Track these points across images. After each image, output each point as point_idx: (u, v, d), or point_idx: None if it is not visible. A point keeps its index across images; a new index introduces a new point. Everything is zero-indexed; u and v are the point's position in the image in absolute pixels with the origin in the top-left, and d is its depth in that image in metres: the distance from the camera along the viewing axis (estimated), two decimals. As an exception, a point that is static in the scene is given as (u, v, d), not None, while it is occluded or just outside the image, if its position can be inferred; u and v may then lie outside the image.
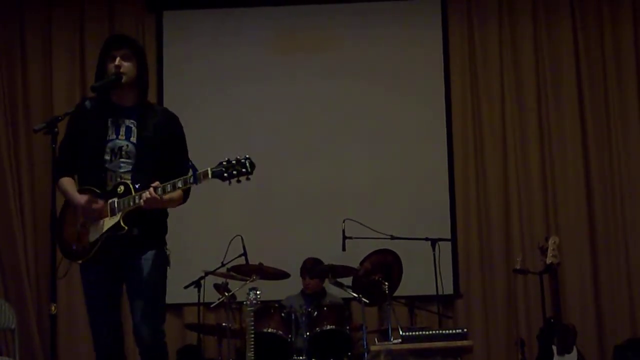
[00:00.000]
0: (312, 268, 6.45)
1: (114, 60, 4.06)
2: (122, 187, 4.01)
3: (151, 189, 3.90)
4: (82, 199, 4.01)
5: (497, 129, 7.27)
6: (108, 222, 3.99)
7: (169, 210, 4.24)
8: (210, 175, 3.84)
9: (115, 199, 3.99)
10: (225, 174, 3.82)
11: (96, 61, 4.20)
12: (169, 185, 3.92)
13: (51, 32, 7.42)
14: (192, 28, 7.47)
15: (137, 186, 3.98)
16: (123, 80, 4.06)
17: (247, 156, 3.85)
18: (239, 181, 3.83)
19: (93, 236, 4.01)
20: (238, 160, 3.83)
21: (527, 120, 7.27)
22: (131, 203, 3.96)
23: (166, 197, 3.96)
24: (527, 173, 7.21)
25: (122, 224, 3.97)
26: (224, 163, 3.84)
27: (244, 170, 3.82)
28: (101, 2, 7.45)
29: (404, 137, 7.31)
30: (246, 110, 7.33)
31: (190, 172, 3.88)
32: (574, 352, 5.71)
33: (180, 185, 3.92)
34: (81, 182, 4.12)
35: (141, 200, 3.91)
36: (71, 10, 7.44)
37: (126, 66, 4.07)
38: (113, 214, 3.98)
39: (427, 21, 7.43)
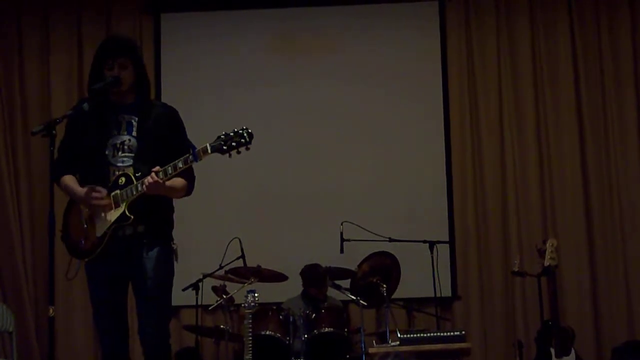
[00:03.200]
0: (317, 277, 6.40)
1: (111, 68, 4.04)
2: (123, 179, 4.00)
3: (152, 174, 3.89)
4: (84, 190, 4.01)
5: (494, 131, 7.28)
6: (113, 214, 3.98)
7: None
8: (209, 150, 3.84)
9: (118, 191, 3.98)
10: (225, 147, 3.81)
11: (94, 63, 4.20)
12: (169, 168, 3.90)
13: (49, 34, 7.42)
14: (190, 30, 7.48)
15: (137, 175, 3.98)
16: (122, 88, 4.06)
17: (244, 127, 3.84)
18: (238, 152, 3.82)
19: (100, 230, 4.00)
20: (236, 132, 3.83)
21: (524, 122, 7.28)
22: (134, 192, 3.94)
23: (168, 183, 3.95)
24: (524, 175, 7.21)
25: (127, 213, 3.96)
26: (222, 137, 3.83)
27: (242, 140, 3.81)
28: (99, 4, 7.46)
29: (402, 139, 7.32)
30: (244, 113, 7.32)
31: (190, 151, 3.88)
32: (572, 355, 5.71)
33: (181, 165, 3.90)
34: (83, 181, 4.09)
35: (144, 186, 3.90)
36: (68, 13, 7.44)
37: (124, 75, 4.06)
38: (117, 205, 3.97)
39: (425, 23, 7.44)
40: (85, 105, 4.04)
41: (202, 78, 7.43)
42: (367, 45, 7.40)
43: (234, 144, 3.80)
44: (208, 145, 3.84)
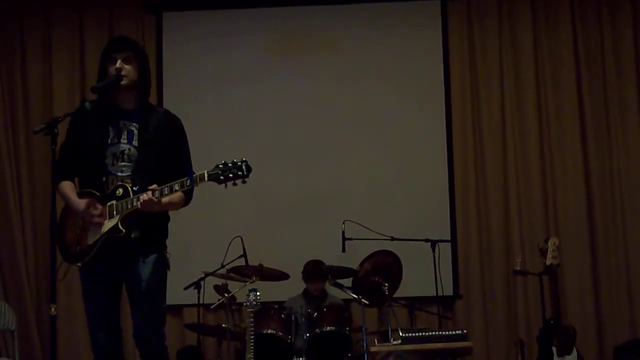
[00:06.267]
0: (315, 271, 6.43)
1: (115, 62, 4.05)
2: (120, 190, 4.01)
3: (149, 192, 3.91)
4: (81, 204, 4.01)
5: (496, 130, 7.28)
6: (107, 225, 4.00)
7: (170, 212, 4.23)
8: (206, 178, 3.86)
9: (114, 202, 3.99)
10: (222, 177, 3.84)
11: (96, 62, 4.19)
12: (166, 188, 3.92)
13: (51, 33, 7.43)
14: (192, 29, 7.47)
15: (135, 189, 3.99)
16: (124, 83, 4.05)
17: (244, 159, 3.87)
18: (235, 184, 3.85)
19: (92, 239, 4.01)
20: (234, 164, 3.86)
21: (526, 121, 7.28)
22: (129, 206, 3.96)
23: (165, 200, 3.96)
24: (526, 174, 7.21)
25: (119, 226, 3.97)
26: (221, 166, 3.86)
27: (240, 173, 3.84)
28: (101, 3, 7.45)
29: (403, 138, 7.32)
30: (246, 111, 7.34)
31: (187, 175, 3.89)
32: (574, 354, 5.70)
33: (177, 188, 3.93)
34: (82, 185, 4.11)
35: (138, 203, 3.92)
36: (70, 12, 7.44)
37: (127, 69, 4.06)
38: (111, 216, 3.99)
39: (427, 22, 7.44)
40: (88, 104, 4.03)
41: (204, 76, 7.42)
42: (369, 44, 7.40)
43: (230, 175, 3.84)
44: (206, 173, 3.87)
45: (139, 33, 7.36)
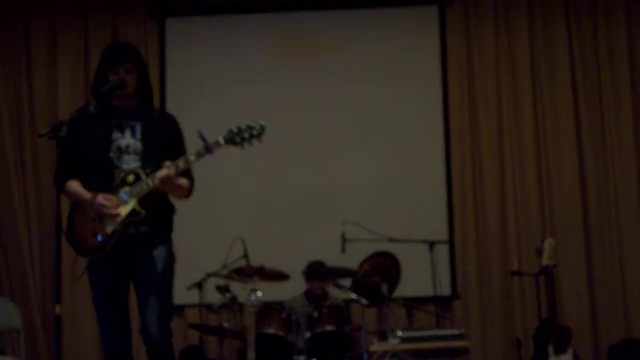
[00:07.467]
0: (318, 271, 6.50)
1: (117, 73, 4.06)
2: (132, 176, 4.00)
3: (164, 169, 3.90)
4: (94, 196, 3.99)
5: (493, 131, 7.32)
6: (123, 211, 3.97)
7: (172, 214, 4.26)
8: (222, 142, 3.87)
9: (127, 187, 3.98)
10: (238, 138, 3.86)
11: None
12: (181, 161, 3.92)
13: (56, 37, 7.48)
14: (195, 34, 7.52)
15: (147, 172, 3.99)
16: (127, 90, 4.10)
17: (254, 121, 3.89)
18: (251, 143, 3.86)
19: (110, 227, 3.98)
20: (247, 125, 3.89)
21: (523, 123, 7.32)
22: (144, 187, 3.95)
23: (178, 181, 3.98)
24: (523, 175, 7.26)
25: (138, 208, 3.97)
26: (234, 129, 3.88)
27: (254, 132, 3.86)
28: (104, 8, 7.51)
29: (402, 140, 7.37)
30: (248, 115, 7.24)
31: (202, 143, 3.88)
32: (569, 353, 5.74)
33: (193, 158, 3.91)
34: (87, 183, 4.08)
35: (156, 180, 3.91)
36: (75, 17, 7.49)
37: (129, 79, 4.09)
38: (126, 202, 3.98)
39: (425, 26, 7.50)
40: (92, 108, 4.08)
41: (207, 81, 7.47)
42: (367, 48, 7.44)
43: (246, 135, 3.85)
44: (221, 137, 3.87)
45: (142, 38, 7.41)
